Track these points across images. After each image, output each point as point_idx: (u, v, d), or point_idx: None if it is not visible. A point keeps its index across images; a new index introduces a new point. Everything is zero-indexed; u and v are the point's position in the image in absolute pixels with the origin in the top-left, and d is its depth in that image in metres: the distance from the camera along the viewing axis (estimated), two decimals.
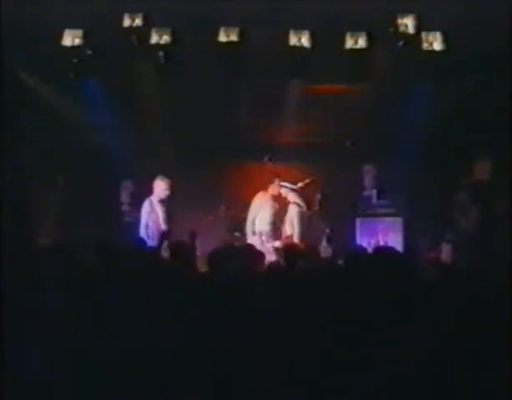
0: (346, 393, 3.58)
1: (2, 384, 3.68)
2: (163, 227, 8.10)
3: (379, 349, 3.66)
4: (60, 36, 7.78)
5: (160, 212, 8.20)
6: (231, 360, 3.69)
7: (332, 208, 8.58)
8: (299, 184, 8.52)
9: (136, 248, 5.72)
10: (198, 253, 6.25)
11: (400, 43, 7.69)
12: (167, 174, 9.84)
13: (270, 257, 6.34)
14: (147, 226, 8.11)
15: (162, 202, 8.27)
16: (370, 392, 3.57)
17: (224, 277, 4.60)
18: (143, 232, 8.05)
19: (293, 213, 8.30)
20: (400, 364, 3.61)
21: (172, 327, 3.88)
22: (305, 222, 8.28)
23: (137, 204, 9.86)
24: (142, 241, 6.61)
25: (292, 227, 8.26)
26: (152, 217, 8.15)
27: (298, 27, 7.73)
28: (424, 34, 7.69)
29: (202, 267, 5.36)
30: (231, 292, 4.15)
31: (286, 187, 8.44)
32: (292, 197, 8.24)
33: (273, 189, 8.47)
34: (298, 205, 8.15)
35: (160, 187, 8.29)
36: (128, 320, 3.85)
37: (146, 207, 8.19)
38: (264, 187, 8.94)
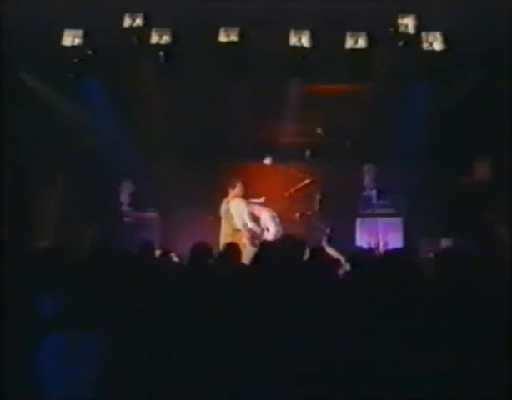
0: (346, 393, 3.59)
1: (1, 384, 3.68)
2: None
3: (379, 349, 3.66)
4: (60, 36, 7.78)
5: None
6: (232, 361, 3.69)
7: (332, 208, 8.57)
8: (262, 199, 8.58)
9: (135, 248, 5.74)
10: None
11: (400, 43, 7.69)
12: (167, 174, 9.89)
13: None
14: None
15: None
16: (370, 392, 3.57)
17: (224, 276, 4.60)
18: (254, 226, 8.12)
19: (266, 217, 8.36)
20: (400, 364, 3.61)
21: (173, 326, 3.88)
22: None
23: (137, 204, 9.90)
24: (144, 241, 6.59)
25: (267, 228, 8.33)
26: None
27: (298, 27, 7.73)
28: (424, 34, 7.69)
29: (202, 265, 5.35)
30: (230, 291, 4.15)
31: (255, 202, 8.50)
32: (264, 214, 8.31)
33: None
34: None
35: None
36: (127, 320, 3.86)
37: (247, 208, 8.23)
38: (264, 187, 9.00)
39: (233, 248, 5.66)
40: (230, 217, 8.28)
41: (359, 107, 9.18)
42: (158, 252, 6.49)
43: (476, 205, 9.32)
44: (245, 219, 8.16)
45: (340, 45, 7.79)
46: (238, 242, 7.99)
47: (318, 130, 8.97)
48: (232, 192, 8.40)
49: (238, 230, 8.19)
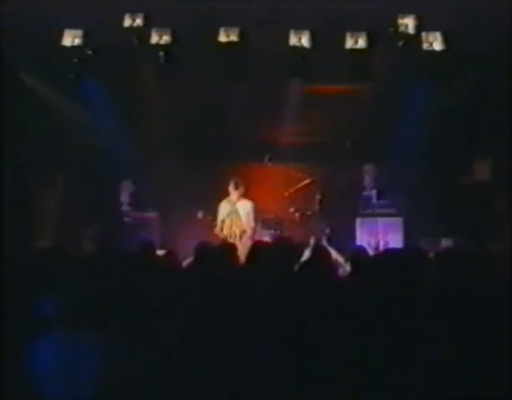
0: (346, 393, 3.59)
1: (1, 384, 3.68)
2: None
3: (379, 349, 3.66)
4: (60, 36, 7.79)
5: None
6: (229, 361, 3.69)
7: (332, 208, 8.58)
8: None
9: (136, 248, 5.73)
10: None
11: (400, 43, 7.69)
12: (167, 174, 9.90)
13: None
14: None
15: None
16: (370, 392, 3.57)
17: (224, 276, 4.60)
18: None
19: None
20: (400, 364, 3.61)
21: (172, 326, 3.88)
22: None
23: (137, 204, 9.90)
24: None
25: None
26: None
27: (298, 27, 7.74)
28: (424, 34, 7.70)
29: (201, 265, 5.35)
30: (230, 291, 4.15)
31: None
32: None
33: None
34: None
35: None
36: (127, 320, 3.85)
37: (253, 209, 8.44)
38: (264, 187, 9.04)
39: (233, 249, 5.67)
40: (237, 218, 8.31)
41: (359, 107, 9.19)
42: (161, 252, 6.50)
43: (476, 205, 9.33)
44: (250, 220, 8.22)
45: (340, 45, 7.80)
46: (245, 242, 8.04)
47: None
48: (234, 193, 8.41)
49: (245, 231, 8.24)
